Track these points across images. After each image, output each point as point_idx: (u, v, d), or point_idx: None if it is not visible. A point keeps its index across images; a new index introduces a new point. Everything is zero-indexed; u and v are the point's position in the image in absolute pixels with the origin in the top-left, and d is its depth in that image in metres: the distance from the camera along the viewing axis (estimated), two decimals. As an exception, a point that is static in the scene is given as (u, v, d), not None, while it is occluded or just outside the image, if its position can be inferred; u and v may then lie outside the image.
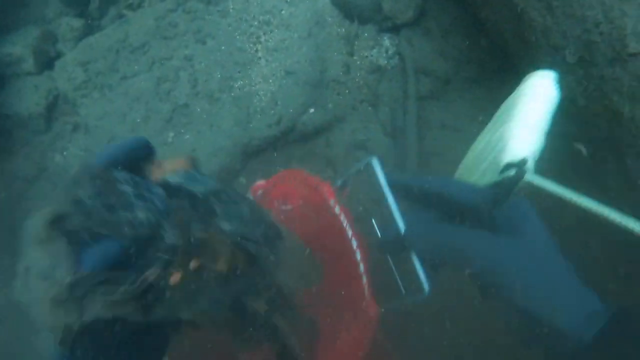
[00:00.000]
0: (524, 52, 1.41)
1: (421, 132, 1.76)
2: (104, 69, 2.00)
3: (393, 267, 0.66)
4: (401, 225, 0.61)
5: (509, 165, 0.62)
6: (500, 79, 1.78)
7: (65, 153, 2.01)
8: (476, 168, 0.73)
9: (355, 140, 1.80)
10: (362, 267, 0.67)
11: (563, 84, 0.77)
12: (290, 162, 1.87)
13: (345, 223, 0.69)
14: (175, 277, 0.52)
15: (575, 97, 1.19)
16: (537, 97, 0.72)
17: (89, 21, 2.15)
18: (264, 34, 1.92)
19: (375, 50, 1.90)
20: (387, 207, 0.62)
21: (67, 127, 2.03)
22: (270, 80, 1.84)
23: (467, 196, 0.62)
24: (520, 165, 0.61)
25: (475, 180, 0.71)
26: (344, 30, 1.91)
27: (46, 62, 2.07)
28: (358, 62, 1.88)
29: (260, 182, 0.95)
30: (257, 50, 1.90)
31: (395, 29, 1.90)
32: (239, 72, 1.88)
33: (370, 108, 1.84)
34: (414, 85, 1.79)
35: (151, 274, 0.51)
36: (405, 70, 1.82)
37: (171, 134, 1.85)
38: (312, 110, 1.80)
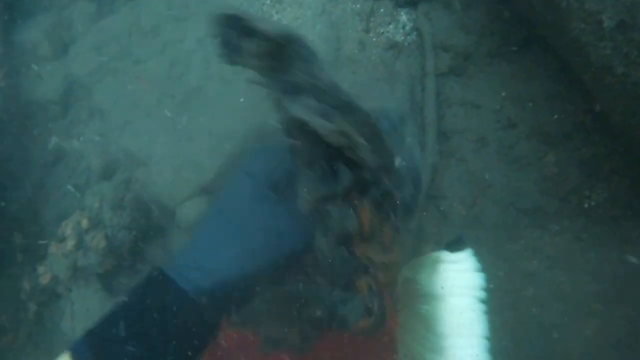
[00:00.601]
0: (554, 20, 1.29)
1: (441, 110, 1.66)
2: (117, 53, 1.95)
3: None
4: None
5: None
6: (524, 52, 1.66)
7: (81, 138, 1.98)
8: None
9: (372, 120, 1.71)
10: None
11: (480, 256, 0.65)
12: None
13: None
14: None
15: (611, 65, 1.08)
16: (464, 308, 0.61)
17: (102, 5, 2.09)
18: (277, 12, 1.83)
19: (391, 26, 1.78)
20: None
21: (82, 113, 1.99)
22: (284, 60, 1.76)
23: None
24: None
25: None
26: (358, 6, 1.80)
27: (61, 47, 2.03)
28: (374, 39, 1.77)
29: None
30: (269, 30, 1.81)
31: (412, 3, 1.78)
32: (252, 52, 1.80)
33: (387, 86, 1.74)
34: (432, 61, 1.68)
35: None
36: (424, 46, 1.70)
37: (185, 118, 1.79)
38: (327, 89, 1.72)
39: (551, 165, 1.56)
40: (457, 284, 0.62)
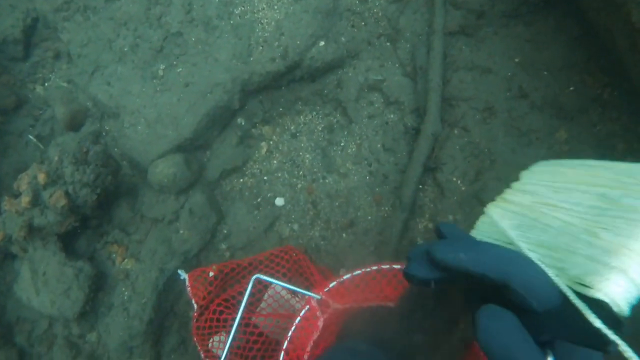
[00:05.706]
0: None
1: (446, 73, 1.42)
2: (88, -12, 1.63)
3: None
4: None
5: (598, 305, 0.40)
6: (544, 14, 1.42)
7: (46, 84, 1.68)
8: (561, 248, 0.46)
9: (370, 80, 1.47)
10: None
11: None
12: (295, 104, 1.54)
13: None
14: None
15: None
16: None
17: None
18: (270, -49, 1.52)
19: (398, -24, 1.51)
20: None
21: (48, 55, 1.69)
22: (276, 7, 1.48)
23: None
24: (615, 324, 0.40)
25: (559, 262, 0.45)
26: (363, -51, 1.51)
27: (23, -22, 1.69)
28: (378, -11, 1.50)
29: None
30: (261, -29, 1.51)
31: (423, -49, 1.51)
32: (240, -4, 1.51)
33: (388, 44, 1.49)
34: (441, 18, 1.43)
35: None
36: (433, 0, 1.44)
37: (162, 66, 1.52)
38: (322, 43, 1.45)
39: (562, 142, 1.35)
40: None
